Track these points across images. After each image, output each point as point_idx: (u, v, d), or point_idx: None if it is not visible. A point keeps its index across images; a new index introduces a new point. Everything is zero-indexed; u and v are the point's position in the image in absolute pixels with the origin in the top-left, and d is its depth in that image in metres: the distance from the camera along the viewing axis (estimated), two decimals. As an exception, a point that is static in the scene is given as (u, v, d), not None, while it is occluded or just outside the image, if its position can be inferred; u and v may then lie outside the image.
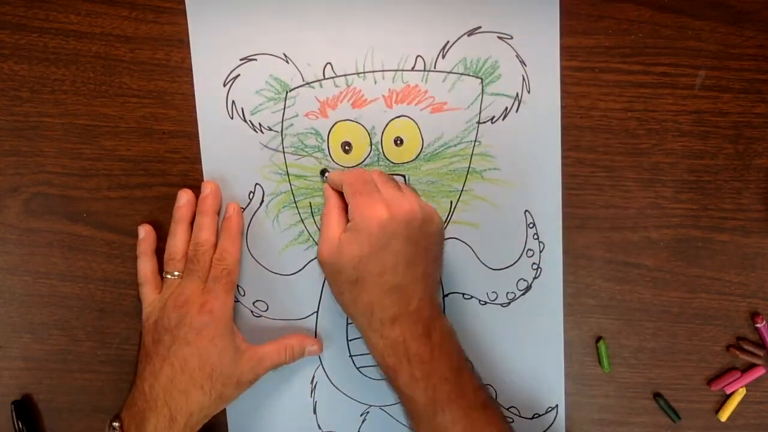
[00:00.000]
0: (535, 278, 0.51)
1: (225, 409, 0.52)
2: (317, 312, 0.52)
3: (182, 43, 0.48)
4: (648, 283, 0.52)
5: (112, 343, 0.52)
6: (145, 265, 0.50)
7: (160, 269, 0.50)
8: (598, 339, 0.52)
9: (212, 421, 0.51)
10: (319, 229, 0.50)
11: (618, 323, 0.52)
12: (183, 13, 0.48)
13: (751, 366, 0.53)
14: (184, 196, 0.49)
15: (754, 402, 0.53)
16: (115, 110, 0.49)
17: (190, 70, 0.48)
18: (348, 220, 0.45)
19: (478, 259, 0.51)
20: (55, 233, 0.51)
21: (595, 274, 0.52)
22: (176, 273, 0.48)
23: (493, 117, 0.49)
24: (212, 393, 0.46)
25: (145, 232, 0.50)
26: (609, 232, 0.51)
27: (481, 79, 0.49)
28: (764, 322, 0.52)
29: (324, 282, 0.51)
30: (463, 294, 0.51)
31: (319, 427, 0.53)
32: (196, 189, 0.49)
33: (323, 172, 0.49)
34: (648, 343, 0.53)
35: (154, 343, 0.46)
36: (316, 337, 0.52)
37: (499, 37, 0.48)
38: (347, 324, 0.52)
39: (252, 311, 0.51)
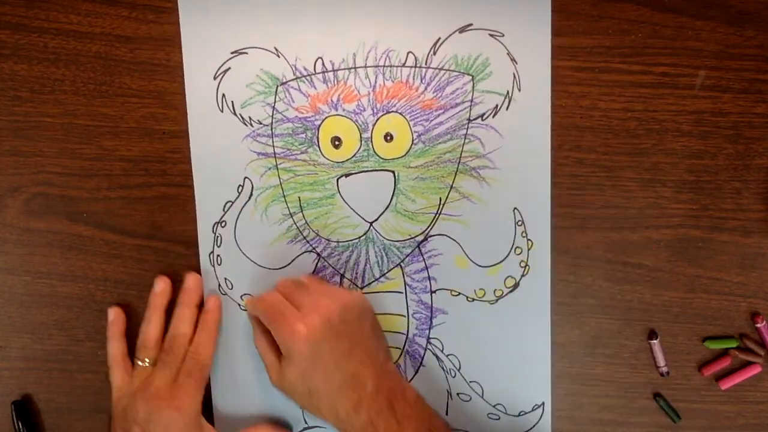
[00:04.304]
0: (523, 276, 0.51)
1: (210, 401, 0.52)
2: None
3: (183, 43, 0.48)
4: (648, 283, 0.52)
5: (112, 343, 0.52)
6: (115, 349, 0.50)
7: (129, 351, 0.50)
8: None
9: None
10: (308, 224, 0.50)
11: (618, 323, 0.52)
12: (183, 13, 0.48)
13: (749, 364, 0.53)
14: (161, 284, 0.50)
15: (754, 402, 0.53)
16: (115, 110, 0.49)
17: (190, 69, 0.49)
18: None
19: (467, 255, 0.51)
20: (55, 233, 0.51)
21: (595, 274, 0.52)
22: (147, 361, 0.49)
23: (484, 114, 0.49)
24: None
25: (114, 315, 0.50)
26: (609, 232, 0.51)
27: (472, 76, 0.49)
28: (764, 322, 0.52)
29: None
30: (451, 291, 0.51)
31: (305, 422, 0.53)
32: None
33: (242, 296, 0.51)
34: (648, 344, 0.53)
35: None
36: None
37: (491, 35, 0.48)
38: None
39: (239, 305, 0.51)
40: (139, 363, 0.49)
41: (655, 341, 0.52)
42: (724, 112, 0.49)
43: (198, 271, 0.51)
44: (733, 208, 0.51)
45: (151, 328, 0.49)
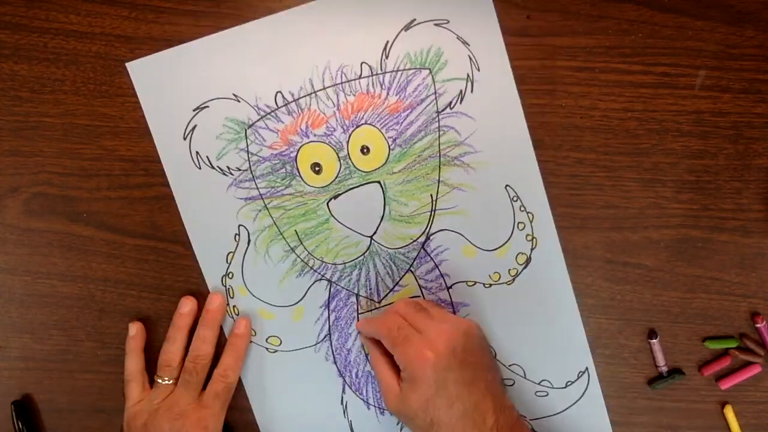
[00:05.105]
0: (533, 249, 0.51)
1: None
2: (329, 334, 0.52)
3: (182, 43, 0.48)
4: (648, 283, 0.52)
5: (112, 343, 0.52)
6: (134, 363, 0.50)
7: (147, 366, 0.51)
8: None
9: None
10: (311, 254, 0.51)
11: (618, 323, 0.52)
12: (183, 13, 0.48)
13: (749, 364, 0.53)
14: (188, 304, 0.50)
15: (754, 402, 0.53)
16: (115, 110, 0.49)
17: (190, 70, 0.49)
18: (396, 364, 0.46)
19: (473, 244, 0.51)
20: (55, 233, 0.51)
21: (595, 274, 0.52)
22: (167, 379, 0.49)
23: (451, 102, 0.49)
24: None
25: (136, 329, 0.51)
26: (609, 232, 0.51)
27: (429, 69, 0.49)
28: (764, 322, 0.52)
29: (328, 302, 0.51)
30: (467, 282, 0.51)
31: None
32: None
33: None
34: (648, 344, 0.53)
35: None
36: (334, 357, 0.52)
37: (436, 24, 0.48)
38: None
39: (267, 348, 0.52)
40: (160, 381, 0.49)
41: (655, 341, 0.52)
42: (724, 112, 0.49)
43: (198, 271, 0.51)
44: (733, 208, 0.51)
45: (175, 348, 0.49)
